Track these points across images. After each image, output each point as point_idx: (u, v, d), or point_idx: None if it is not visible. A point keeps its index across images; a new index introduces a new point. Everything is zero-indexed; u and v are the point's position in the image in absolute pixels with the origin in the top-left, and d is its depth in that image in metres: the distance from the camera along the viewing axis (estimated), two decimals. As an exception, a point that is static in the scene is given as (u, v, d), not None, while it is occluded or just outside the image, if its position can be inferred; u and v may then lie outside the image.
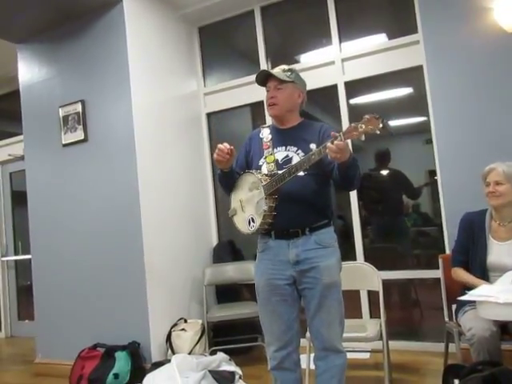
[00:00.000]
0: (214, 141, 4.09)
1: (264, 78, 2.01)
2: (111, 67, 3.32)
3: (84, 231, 3.43)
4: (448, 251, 2.99)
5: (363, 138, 1.60)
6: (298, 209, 1.87)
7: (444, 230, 3.12)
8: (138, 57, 3.33)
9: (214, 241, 3.99)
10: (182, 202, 3.64)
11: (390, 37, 3.48)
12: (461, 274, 2.32)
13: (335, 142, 1.63)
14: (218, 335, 3.39)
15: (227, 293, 3.76)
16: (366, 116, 1.58)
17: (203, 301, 3.44)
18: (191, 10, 3.85)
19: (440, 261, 2.71)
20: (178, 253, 3.52)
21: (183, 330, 3.19)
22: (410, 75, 3.40)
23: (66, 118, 3.46)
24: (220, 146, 1.88)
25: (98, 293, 3.35)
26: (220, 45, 4.26)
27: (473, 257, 2.31)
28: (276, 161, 1.93)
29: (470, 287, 2.23)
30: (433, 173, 3.53)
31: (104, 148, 3.36)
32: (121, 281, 3.26)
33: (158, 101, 3.54)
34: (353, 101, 3.54)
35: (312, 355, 2.01)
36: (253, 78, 3.70)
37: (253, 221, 1.90)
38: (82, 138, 3.40)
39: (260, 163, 1.97)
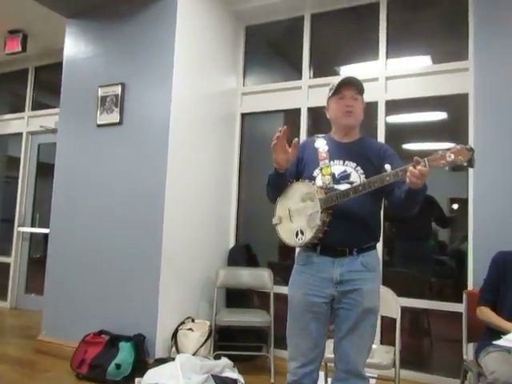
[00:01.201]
0: (244, 142, 4.07)
1: (340, 85, 1.93)
2: (156, 54, 3.32)
3: (105, 214, 3.41)
4: (470, 286, 2.92)
5: (447, 168, 1.55)
6: (351, 228, 1.82)
7: (469, 265, 3.03)
8: (183, 48, 3.33)
9: (231, 243, 3.96)
10: (205, 199, 3.62)
11: (435, 60, 3.43)
12: (488, 314, 2.26)
13: (418, 167, 1.56)
14: (223, 339, 3.34)
15: (237, 297, 3.72)
16: (457, 146, 1.53)
17: (213, 302, 3.39)
18: (241, 8, 3.85)
19: (464, 296, 2.64)
20: (195, 250, 3.49)
21: (190, 329, 3.14)
22: (451, 101, 3.35)
23: (104, 99, 3.46)
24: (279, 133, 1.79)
25: (111, 278, 3.33)
26: (264, 46, 4.25)
27: (503, 298, 2.25)
28: (333, 174, 1.88)
29: (495, 328, 2.17)
30: (454, 200, 3.48)
31: (137, 134, 3.35)
32: (136, 270, 3.24)
33: (196, 94, 3.53)
34: (389, 119, 3.49)
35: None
36: (291, 84, 3.81)
37: (301, 233, 1.84)
38: (117, 120, 3.39)
39: (314, 174, 1.91)
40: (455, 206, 3.53)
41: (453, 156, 1.52)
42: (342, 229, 1.80)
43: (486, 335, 2.24)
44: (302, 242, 1.83)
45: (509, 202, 2.78)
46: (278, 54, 4.32)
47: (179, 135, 3.29)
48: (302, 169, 1.97)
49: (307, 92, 3.75)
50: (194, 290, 3.49)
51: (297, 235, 1.85)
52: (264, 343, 3.42)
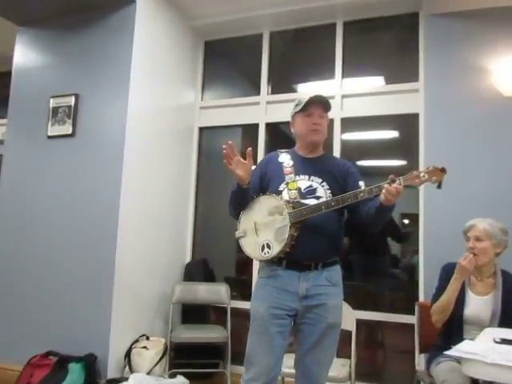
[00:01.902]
0: (202, 156, 4.05)
1: (308, 103, 1.95)
2: (112, 66, 3.25)
3: (55, 229, 3.27)
4: (422, 298, 3.01)
5: (419, 186, 1.63)
6: (317, 242, 1.84)
7: (420, 277, 3.14)
8: (141, 60, 3.29)
9: (188, 258, 3.90)
10: (161, 214, 3.55)
11: (388, 81, 3.58)
12: (437, 303, 2.31)
13: (394, 185, 1.62)
14: (179, 356, 3.26)
15: (194, 313, 3.65)
16: (431, 166, 1.60)
17: (169, 319, 3.32)
18: (201, 23, 3.86)
19: (416, 308, 2.73)
20: (151, 265, 3.41)
21: (145, 347, 3.05)
22: (403, 120, 3.50)
23: (55, 110, 3.35)
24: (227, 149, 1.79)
25: (60, 296, 3.17)
26: (223, 62, 4.27)
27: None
28: (299, 189, 1.89)
29: (449, 300, 2.24)
30: (404, 216, 3.61)
31: (91, 146, 3.25)
32: (87, 286, 3.10)
33: (154, 107, 3.49)
34: (344, 136, 3.59)
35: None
36: (249, 99, 3.85)
37: (268, 247, 1.83)
38: (70, 132, 3.29)
39: (280, 188, 1.91)
40: (406, 221, 3.65)
41: (427, 176, 1.60)
42: (309, 243, 1.81)
43: (437, 346, 2.31)
44: (268, 255, 1.82)
45: (456, 217, 2.89)
46: (237, 70, 4.36)
47: (135, 148, 3.23)
48: (266, 184, 1.98)
49: (265, 107, 3.81)
50: (148, 307, 3.39)
51: (263, 249, 1.84)
52: (221, 359, 3.37)
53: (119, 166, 3.13)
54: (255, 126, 3.83)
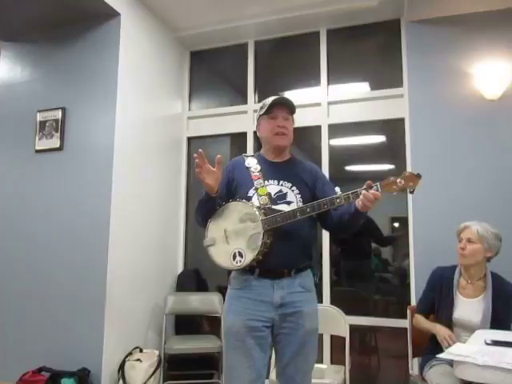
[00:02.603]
0: (191, 166, 4.04)
1: (272, 105, 1.90)
2: (99, 79, 3.24)
3: (44, 244, 3.23)
4: (413, 301, 3.03)
5: (395, 193, 1.61)
6: (290, 249, 1.79)
7: (411, 281, 3.15)
8: (127, 72, 3.28)
9: (180, 268, 3.88)
10: (152, 225, 3.53)
11: (373, 87, 3.62)
12: (420, 320, 2.40)
13: (371, 191, 1.60)
14: (173, 368, 3.24)
15: (187, 324, 3.63)
16: (407, 172, 1.59)
17: (162, 330, 3.29)
18: (186, 34, 3.88)
19: (408, 312, 2.73)
20: (143, 277, 3.38)
21: (138, 360, 3.01)
22: (389, 125, 3.53)
23: (43, 124, 3.32)
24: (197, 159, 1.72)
25: (52, 310, 3.13)
26: (210, 71, 4.28)
27: (440, 311, 2.35)
28: (269, 194, 1.84)
29: (425, 330, 2.31)
30: (395, 219, 3.63)
31: (79, 160, 3.22)
32: (78, 300, 3.06)
33: (141, 118, 3.48)
34: (332, 141, 3.62)
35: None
36: (237, 108, 3.86)
37: (240, 255, 1.76)
38: (58, 146, 3.26)
39: (249, 194, 1.85)
40: (396, 225, 3.67)
41: (403, 182, 1.59)
42: (282, 250, 1.77)
43: (430, 349, 2.31)
44: (240, 264, 1.75)
45: (445, 220, 2.93)
46: (224, 79, 4.37)
47: (124, 160, 3.21)
48: (233, 190, 1.91)
49: (253, 116, 3.81)
50: (141, 319, 3.36)
51: (234, 257, 1.77)
52: (215, 370, 3.34)
53: (108, 178, 3.11)
54: (243, 135, 3.84)
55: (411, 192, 1.62)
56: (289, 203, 1.82)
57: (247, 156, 1.99)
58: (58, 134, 3.27)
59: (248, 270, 1.79)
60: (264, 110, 1.92)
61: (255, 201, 1.82)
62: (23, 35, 3.54)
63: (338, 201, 1.67)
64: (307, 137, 3.83)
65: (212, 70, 4.29)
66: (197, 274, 3.80)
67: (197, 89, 4.15)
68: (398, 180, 1.59)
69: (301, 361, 1.78)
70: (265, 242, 1.73)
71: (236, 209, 1.82)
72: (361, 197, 1.62)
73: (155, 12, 3.59)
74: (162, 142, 3.76)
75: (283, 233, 1.76)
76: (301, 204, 1.80)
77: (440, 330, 2.22)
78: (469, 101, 3.02)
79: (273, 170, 1.91)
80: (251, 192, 1.85)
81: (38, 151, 3.34)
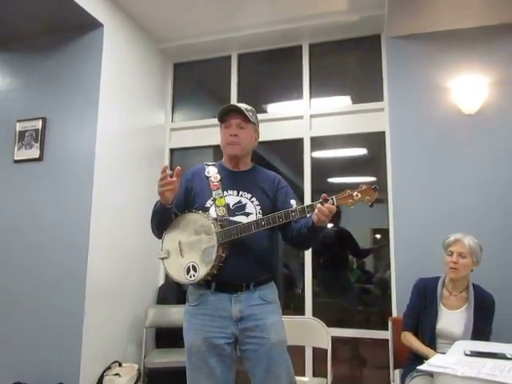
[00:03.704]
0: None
1: (226, 113, 1.85)
2: (81, 89, 3.21)
3: (21, 255, 3.14)
4: (395, 313, 3.03)
5: (352, 206, 1.56)
6: (247, 262, 1.73)
7: (393, 292, 3.16)
8: (110, 83, 3.25)
9: (161, 280, 3.82)
10: (133, 237, 3.47)
11: (354, 100, 3.66)
12: (411, 340, 2.34)
13: (326, 204, 1.55)
14: (153, 382, 3.16)
15: (168, 337, 3.55)
16: (363, 186, 1.55)
17: (142, 344, 3.23)
18: (170, 46, 3.87)
19: (389, 323, 2.73)
20: (123, 289, 3.31)
21: (117, 374, 2.94)
22: (370, 138, 3.57)
23: (22, 134, 3.26)
24: (164, 171, 1.65)
25: (25, 323, 3.03)
26: (193, 83, 4.29)
27: (423, 322, 2.34)
28: (227, 205, 1.77)
29: (417, 353, 2.26)
30: (376, 230, 3.66)
31: (60, 170, 3.16)
32: (54, 312, 2.98)
33: (123, 129, 3.44)
34: (314, 154, 3.64)
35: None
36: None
37: (194, 269, 1.68)
38: (37, 156, 3.20)
39: (207, 205, 1.78)
40: (378, 236, 3.69)
41: (360, 195, 1.55)
42: (239, 264, 1.70)
43: (411, 360, 2.31)
44: (194, 278, 1.68)
45: (425, 231, 2.97)
46: (207, 91, 4.37)
47: (105, 171, 3.17)
48: (191, 199, 1.84)
49: (236, 128, 3.81)
50: (121, 332, 3.29)
51: (188, 271, 1.70)
52: (196, 384, 3.28)
53: (89, 189, 3.06)
54: (225, 147, 3.82)
55: (370, 205, 1.58)
56: (247, 215, 1.76)
57: (208, 165, 1.92)
58: (38, 145, 3.21)
59: (204, 284, 1.73)
60: (218, 118, 1.87)
61: (212, 212, 1.76)
62: (3, 44, 3.48)
63: (293, 214, 1.62)
64: (290, 149, 3.86)
65: (195, 82, 4.30)
66: (178, 286, 3.73)
67: (180, 100, 4.15)
68: (355, 193, 1.56)
69: (273, 378, 1.69)
70: (219, 256, 1.67)
71: (191, 220, 1.76)
72: (316, 210, 1.57)
73: (139, 23, 3.59)
74: (144, 154, 3.72)
75: (240, 246, 1.69)
76: (260, 216, 1.74)
77: None
78: (447, 115, 3.08)
79: (233, 180, 1.84)
80: (209, 203, 1.79)
81: (16, 161, 3.27)
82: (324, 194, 1.58)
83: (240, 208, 1.77)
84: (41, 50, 3.39)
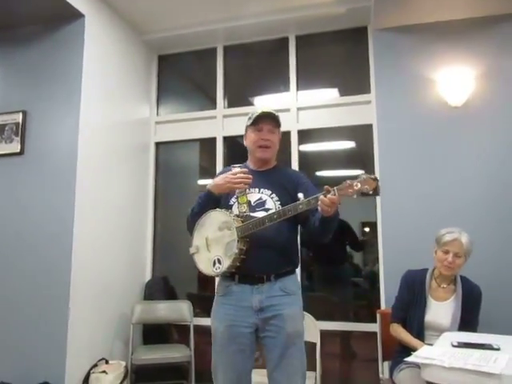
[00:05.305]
0: (159, 172, 3.98)
1: (259, 117, 1.98)
2: (62, 81, 3.15)
3: (2, 253, 3.10)
4: (383, 306, 3.05)
5: (355, 196, 1.62)
6: (268, 255, 1.85)
7: (381, 285, 3.18)
8: (92, 75, 3.20)
9: (148, 276, 3.80)
10: (118, 232, 3.45)
11: (342, 93, 3.67)
12: (399, 331, 2.37)
13: (328, 196, 1.64)
14: (141, 379, 3.16)
15: (155, 333, 3.56)
16: (363, 176, 1.62)
17: (129, 340, 3.21)
18: (154, 38, 3.83)
19: (378, 316, 2.76)
20: (109, 285, 3.28)
21: (104, 372, 2.93)
22: (358, 131, 3.57)
23: (2, 127, 3.20)
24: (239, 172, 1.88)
25: (8, 320, 3.00)
26: (178, 76, 4.24)
27: (411, 314, 2.37)
28: (249, 202, 1.92)
29: (406, 345, 2.29)
30: (365, 224, 3.68)
31: (40, 165, 3.11)
32: (38, 309, 2.94)
33: (107, 123, 3.40)
34: (302, 147, 3.63)
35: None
36: (206, 113, 3.86)
37: (219, 262, 1.85)
38: (18, 150, 3.15)
39: (231, 203, 1.95)
40: (367, 230, 3.72)
41: (359, 185, 1.61)
42: (259, 256, 1.83)
43: (398, 353, 2.33)
44: (219, 271, 1.84)
45: (413, 223, 2.99)
46: (193, 84, 4.34)
47: (88, 166, 3.13)
48: (219, 199, 1.98)
49: (222, 121, 3.80)
50: (107, 329, 3.27)
51: (214, 264, 1.86)
52: (185, 380, 3.28)
53: (72, 184, 3.02)
54: (213, 140, 3.81)
55: (375, 195, 1.63)
56: (267, 210, 1.88)
57: (235, 166, 2.07)
58: (19, 138, 3.16)
59: (230, 276, 1.89)
60: (251, 121, 2.00)
61: (235, 209, 1.92)
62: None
63: (300, 207, 1.73)
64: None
65: (181, 74, 4.26)
66: (165, 282, 3.73)
67: (165, 93, 4.10)
68: (355, 183, 1.62)
69: (286, 365, 1.81)
70: (241, 249, 1.80)
71: (215, 217, 1.91)
72: (319, 202, 1.67)
73: (122, 14, 3.53)
74: (129, 147, 3.68)
75: (260, 239, 1.82)
76: (281, 208, 1.84)
77: None
78: (434, 107, 3.09)
79: (255, 179, 1.95)
80: (232, 201, 1.95)
81: (-4, 156, 3.22)
82: (326, 186, 1.68)
83: (260, 204, 1.92)
84: (20, 40, 3.32)
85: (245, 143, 2.09)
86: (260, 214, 1.86)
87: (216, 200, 1.95)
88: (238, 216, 1.88)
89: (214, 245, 1.89)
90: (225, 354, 1.86)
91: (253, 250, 1.82)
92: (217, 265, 1.85)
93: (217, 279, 2.06)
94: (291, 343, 1.82)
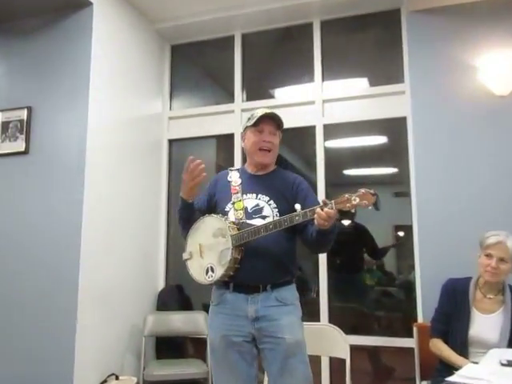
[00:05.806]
0: (173, 171, 3.99)
1: (262, 118, 1.99)
2: (69, 75, 3.18)
3: (8, 259, 3.14)
4: (421, 318, 2.98)
5: (353, 211, 1.69)
6: (263, 265, 1.89)
7: (418, 295, 3.11)
8: (101, 68, 3.22)
9: (161, 284, 3.81)
10: (129, 237, 3.46)
11: (372, 83, 3.62)
12: (440, 347, 2.31)
13: (325, 209, 1.68)
14: (154, 396, 3.16)
15: (169, 346, 3.58)
16: (362, 190, 1.65)
17: (141, 354, 3.23)
18: (166, 26, 3.85)
19: (415, 329, 2.69)
20: (119, 295, 3.30)
21: (114, 388, 2.94)
22: (390, 124, 3.52)
23: (5, 125, 3.26)
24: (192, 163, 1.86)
25: (14, 332, 3.03)
26: (193, 67, 4.27)
27: (453, 328, 2.31)
28: (245, 208, 1.96)
29: (447, 362, 2.22)
30: (399, 228, 3.60)
31: (47, 165, 3.15)
32: (45, 320, 2.97)
33: (117, 119, 3.42)
34: (328, 143, 3.59)
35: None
36: (223, 107, 3.84)
37: (212, 270, 1.90)
38: (23, 149, 3.19)
39: (227, 208, 1.99)
40: (401, 234, 3.63)
41: (358, 200, 1.64)
42: (254, 266, 1.87)
43: (439, 371, 2.28)
44: (212, 279, 1.89)
45: (454, 227, 2.92)
46: (208, 76, 4.35)
47: (98, 164, 3.15)
48: (213, 204, 2.05)
49: (240, 116, 3.78)
50: (117, 342, 3.28)
51: (207, 272, 1.91)
52: (201, 398, 3.27)
53: (80, 184, 3.04)
54: (230, 136, 3.80)
55: (376, 209, 1.67)
56: (264, 218, 1.93)
57: (232, 170, 2.14)
58: (23, 136, 3.21)
59: (223, 284, 1.94)
60: (252, 122, 2.01)
61: (231, 215, 1.97)
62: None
63: (296, 218, 1.77)
64: (300, 138, 3.81)
65: (195, 65, 4.27)
66: (179, 291, 3.74)
67: (179, 86, 4.12)
68: (353, 198, 1.65)
69: (287, 378, 1.84)
70: (235, 258, 1.85)
71: (210, 223, 1.97)
72: (315, 215, 1.70)
73: (132, 1, 3.56)
74: (140, 145, 3.70)
75: (256, 248, 1.87)
76: (277, 218, 1.89)
77: None
78: (476, 97, 3.02)
79: (252, 184, 2.03)
80: (228, 206, 2.00)
81: (0, 155, 3.27)
82: (323, 199, 1.73)
83: (257, 211, 1.96)
84: (24, 32, 3.37)
85: (242, 145, 2.13)
86: (257, 222, 1.90)
87: (193, 206, 1.99)
88: (233, 223, 1.91)
89: (207, 252, 1.94)
90: (225, 362, 1.90)
91: (247, 259, 1.87)
92: (209, 273, 1.90)
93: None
94: (291, 354, 1.84)
